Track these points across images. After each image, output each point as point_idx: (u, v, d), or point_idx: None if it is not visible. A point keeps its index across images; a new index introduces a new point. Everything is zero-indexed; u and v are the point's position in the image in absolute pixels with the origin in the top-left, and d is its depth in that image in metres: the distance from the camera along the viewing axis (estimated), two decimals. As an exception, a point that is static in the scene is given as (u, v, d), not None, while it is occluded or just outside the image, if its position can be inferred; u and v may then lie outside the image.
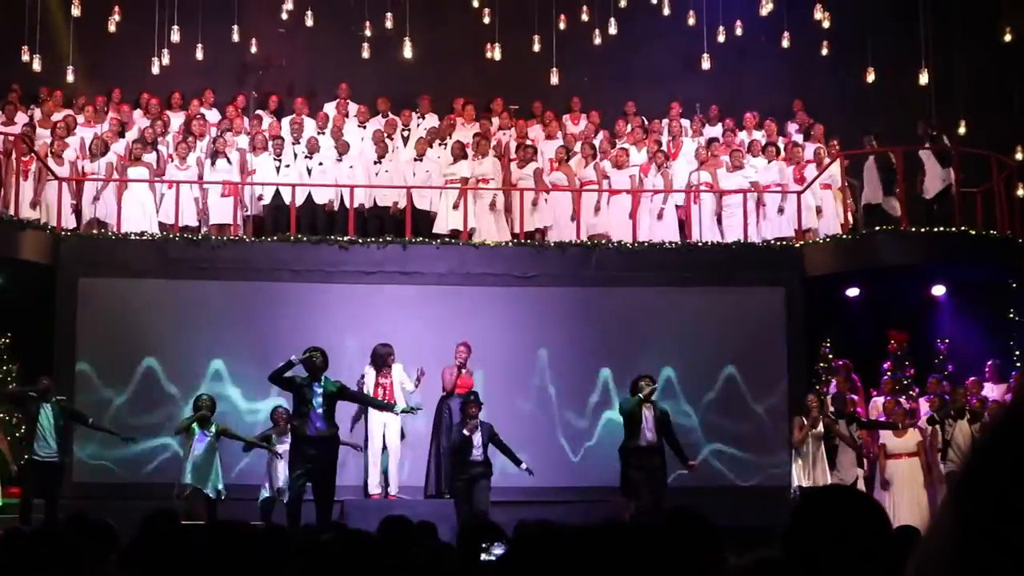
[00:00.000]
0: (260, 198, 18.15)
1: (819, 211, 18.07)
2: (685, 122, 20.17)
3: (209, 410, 14.87)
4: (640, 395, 14.61)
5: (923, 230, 17.02)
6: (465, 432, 14.54)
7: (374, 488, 15.70)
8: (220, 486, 14.70)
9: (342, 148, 18.48)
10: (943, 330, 18.13)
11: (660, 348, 16.99)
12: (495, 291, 17.12)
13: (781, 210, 18.09)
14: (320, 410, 13.67)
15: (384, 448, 15.74)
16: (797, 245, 17.59)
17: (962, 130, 19.45)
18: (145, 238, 16.98)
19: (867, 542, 2.68)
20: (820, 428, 15.18)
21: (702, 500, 14.57)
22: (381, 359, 15.61)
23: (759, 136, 19.80)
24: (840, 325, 17.72)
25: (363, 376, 15.74)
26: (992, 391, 16.89)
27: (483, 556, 6.09)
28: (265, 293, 16.87)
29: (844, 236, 17.56)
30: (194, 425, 14.70)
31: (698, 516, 4.60)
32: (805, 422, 15.17)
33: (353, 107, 19.94)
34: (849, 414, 15.63)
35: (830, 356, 17.41)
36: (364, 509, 14.64)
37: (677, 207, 18.45)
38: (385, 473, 15.79)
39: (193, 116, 19.32)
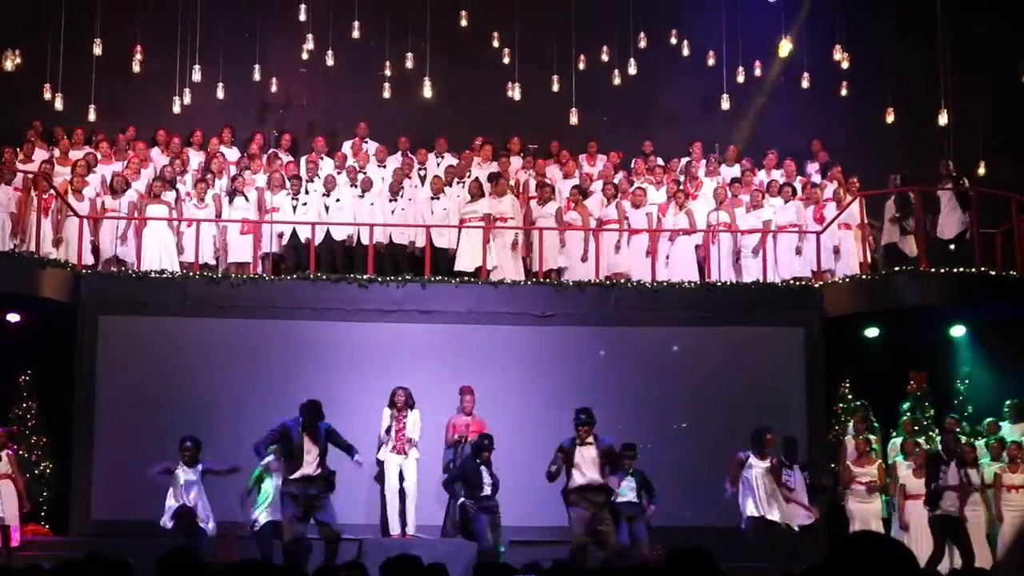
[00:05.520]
0: (280, 235, 18.22)
1: (836, 251, 18.07)
2: (702, 162, 20.18)
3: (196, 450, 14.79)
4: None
5: (942, 271, 16.97)
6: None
7: (393, 528, 15.73)
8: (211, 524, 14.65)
9: (365, 185, 18.53)
10: (963, 370, 18.04)
11: (678, 388, 16.98)
12: (513, 330, 17.12)
13: (798, 251, 18.09)
14: None
15: (402, 489, 15.79)
16: (817, 285, 17.56)
17: (981, 171, 19.42)
18: (165, 276, 17.04)
19: None
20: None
21: (716, 540, 14.53)
22: (398, 402, 15.72)
23: (777, 176, 19.79)
24: (859, 365, 17.66)
25: (382, 417, 15.82)
26: (1010, 431, 16.79)
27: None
28: (285, 331, 16.88)
29: (864, 276, 17.53)
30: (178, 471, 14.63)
31: (707, 556, 4.60)
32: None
33: (372, 146, 20.00)
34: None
35: (849, 396, 17.34)
36: (382, 548, 14.58)
37: (696, 247, 18.46)
38: (403, 513, 15.81)
39: (213, 154, 19.42)
